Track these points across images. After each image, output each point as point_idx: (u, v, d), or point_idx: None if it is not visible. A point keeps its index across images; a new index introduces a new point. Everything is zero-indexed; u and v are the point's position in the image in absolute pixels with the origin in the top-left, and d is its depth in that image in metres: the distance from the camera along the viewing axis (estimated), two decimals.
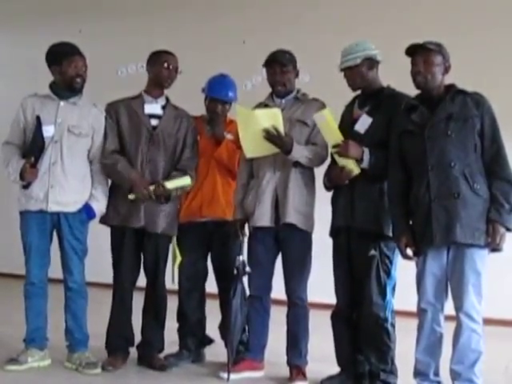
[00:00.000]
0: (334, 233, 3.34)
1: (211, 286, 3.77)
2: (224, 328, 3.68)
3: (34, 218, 3.45)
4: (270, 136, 3.31)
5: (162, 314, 3.64)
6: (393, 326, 3.21)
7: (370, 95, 3.26)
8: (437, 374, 3.04)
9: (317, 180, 3.46)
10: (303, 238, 3.41)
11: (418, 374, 3.05)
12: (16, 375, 3.39)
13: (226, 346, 3.63)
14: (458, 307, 2.91)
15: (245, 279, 3.49)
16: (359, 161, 3.12)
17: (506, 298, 4.92)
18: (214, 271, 3.78)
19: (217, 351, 3.77)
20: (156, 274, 3.59)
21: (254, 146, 3.40)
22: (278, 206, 3.38)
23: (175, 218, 3.62)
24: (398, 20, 5.36)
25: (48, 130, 3.44)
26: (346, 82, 3.26)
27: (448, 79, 3.02)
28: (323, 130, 3.22)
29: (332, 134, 3.18)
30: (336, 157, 3.18)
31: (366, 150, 3.13)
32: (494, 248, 2.88)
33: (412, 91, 3.07)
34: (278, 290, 3.50)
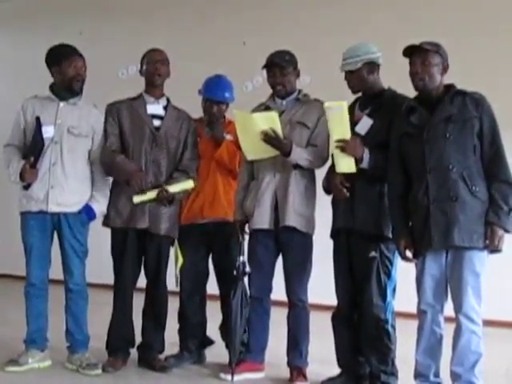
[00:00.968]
0: (335, 234, 3.34)
1: (212, 287, 3.76)
2: (225, 329, 3.68)
3: (35, 218, 3.46)
4: (269, 138, 3.30)
5: (163, 315, 3.64)
6: (393, 327, 3.21)
7: (371, 97, 3.26)
8: (437, 375, 3.04)
9: (317, 182, 3.45)
10: (304, 240, 3.41)
11: (418, 375, 3.05)
12: (16, 376, 3.39)
13: (227, 347, 3.64)
14: (458, 309, 2.91)
15: (246, 279, 3.49)
16: (358, 160, 3.12)
17: (507, 300, 4.91)
18: (215, 272, 3.78)
19: (217, 352, 3.77)
20: (157, 275, 3.59)
21: (253, 149, 3.40)
22: (277, 209, 3.38)
23: (177, 220, 3.63)
24: (399, 20, 5.36)
25: (48, 131, 3.44)
26: (347, 84, 3.26)
27: (448, 80, 3.01)
28: (334, 121, 3.12)
29: (341, 128, 3.10)
30: (336, 152, 3.15)
31: (367, 151, 3.13)
32: (494, 249, 2.88)
33: (413, 92, 3.06)
34: (279, 291, 3.50)
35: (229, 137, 3.66)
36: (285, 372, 3.48)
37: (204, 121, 3.77)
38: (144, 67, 3.61)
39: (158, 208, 3.49)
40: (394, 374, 3.20)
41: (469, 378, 2.90)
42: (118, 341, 3.59)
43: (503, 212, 2.85)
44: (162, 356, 3.66)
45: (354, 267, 3.25)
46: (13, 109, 3.62)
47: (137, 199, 3.44)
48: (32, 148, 3.43)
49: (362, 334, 3.22)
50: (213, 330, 3.79)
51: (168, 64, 3.61)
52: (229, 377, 3.44)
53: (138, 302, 3.64)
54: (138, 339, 3.65)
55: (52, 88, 3.56)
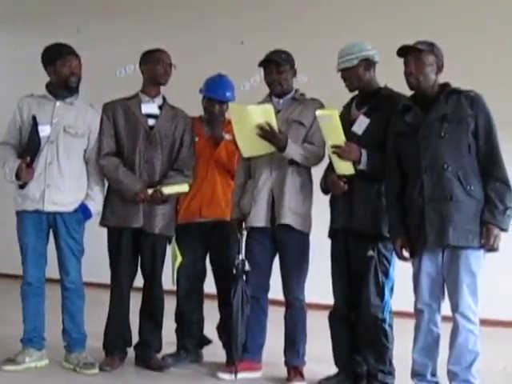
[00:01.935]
0: (332, 234, 3.34)
1: (209, 286, 3.76)
2: (222, 328, 3.68)
3: (31, 218, 3.46)
4: (264, 132, 3.30)
5: (160, 314, 3.64)
6: (391, 326, 3.21)
7: (368, 96, 3.26)
8: (434, 374, 3.04)
9: (314, 181, 3.45)
10: (300, 238, 3.41)
11: (415, 374, 3.05)
12: (13, 375, 3.39)
13: (224, 346, 3.64)
14: (454, 308, 2.90)
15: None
16: (356, 162, 3.12)
17: (504, 299, 4.91)
18: (212, 271, 3.78)
19: (215, 352, 3.77)
20: (153, 274, 3.58)
21: (249, 145, 3.39)
22: (274, 207, 3.39)
23: (172, 219, 3.62)
24: (398, 20, 5.36)
25: (44, 130, 3.44)
26: (343, 82, 3.26)
27: (448, 80, 3.01)
28: (325, 129, 3.17)
29: (334, 135, 3.13)
30: (333, 156, 3.17)
31: (364, 152, 3.13)
32: (490, 248, 2.87)
33: (410, 91, 3.07)
34: (276, 290, 3.50)
35: (228, 136, 3.66)
36: (282, 371, 3.48)
37: (203, 120, 3.77)
38: (149, 65, 3.57)
39: (153, 207, 3.49)
40: (391, 373, 3.21)
41: (466, 377, 2.90)
42: (115, 340, 3.58)
43: (498, 211, 2.84)
44: (159, 355, 3.66)
45: (352, 266, 3.25)
46: (11, 108, 3.61)
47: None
48: (28, 147, 3.43)
49: (360, 333, 3.22)
50: (210, 329, 3.79)
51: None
52: (226, 376, 3.44)
53: (136, 301, 3.63)
54: (135, 338, 3.65)
55: (48, 87, 3.55)
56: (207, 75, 3.80)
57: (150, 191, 3.44)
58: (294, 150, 3.32)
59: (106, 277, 3.64)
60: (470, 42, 5.09)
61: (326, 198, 3.38)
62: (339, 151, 3.11)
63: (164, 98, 3.65)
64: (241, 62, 5.34)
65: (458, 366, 2.91)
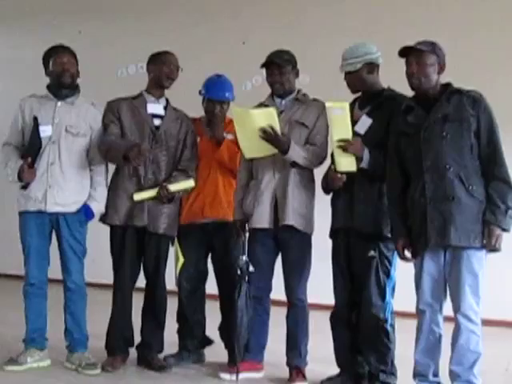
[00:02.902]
0: (334, 234, 3.34)
1: (211, 286, 3.76)
2: (224, 329, 3.68)
3: (33, 218, 3.46)
4: (267, 135, 3.30)
5: (162, 314, 3.64)
6: (392, 326, 3.21)
7: (370, 97, 3.26)
8: (436, 374, 3.04)
9: (317, 182, 3.45)
10: (303, 239, 3.41)
11: (417, 374, 3.05)
12: (15, 375, 3.39)
13: (226, 347, 3.64)
14: (456, 308, 2.90)
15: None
16: (359, 159, 3.12)
17: (506, 299, 4.91)
18: (214, 272, 3.78)
19: (217, 352, 3.77)
20: (156, 274, 3.59)
21: (252, 147, 3.39)
22: (277, 208, 3.38)
23: (176, 220, 3.63)
24: (399, 20, 5.35)
25: (45, 130, 3.44)
26: (346, 84, 3.26)
27: (449, 79, 3.01)
28: (335, 121, 3.13)
29: (343, 129, 3.11)
30: (337, 151, 3.14)
31: (366, 150, 3.13)
32: (492, 249, 2.87)
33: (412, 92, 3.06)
34: (278, 290, 3.50)
35: (229, 136, 3.66)
36: (284, 371, 3.48)
37: (204, 121, 3.78)
38: (156, 66, 3.57)
39: (157, 206, 3.49)
40: (393, 373, 3.21)
41: (468, 378, 2.90)
42: (117, 340, 3.59)
43: (500, 211, 2.84)
44: (161, 355, 3.66)
45: (353, 267, 3.25)
46: (12, 109, 3.62)
47: (137, 197, 3.45)
48: (30, 147, 3.43)
49: (361, 333, 3.22)
50: (212, 329, 3.79)
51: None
52: (227, 376, 3.44)
53: (138, 302, 3.63)
54: (138, 339, 3.65)
55: (49, 87, 3.56)
56: (209, 75, 3.79)
57: (155, 190, 3.43)
58: (296, 153, 3.31)
59: (108, 277, 3.65)
60: (470, 41, 5.08)
61: (327, 198, 3.38)
62: (346, 145, 3.09)
63: (167, 100, 3.66)
64: (242, 62, 5.36)
65: (460, 367, 2.91)
